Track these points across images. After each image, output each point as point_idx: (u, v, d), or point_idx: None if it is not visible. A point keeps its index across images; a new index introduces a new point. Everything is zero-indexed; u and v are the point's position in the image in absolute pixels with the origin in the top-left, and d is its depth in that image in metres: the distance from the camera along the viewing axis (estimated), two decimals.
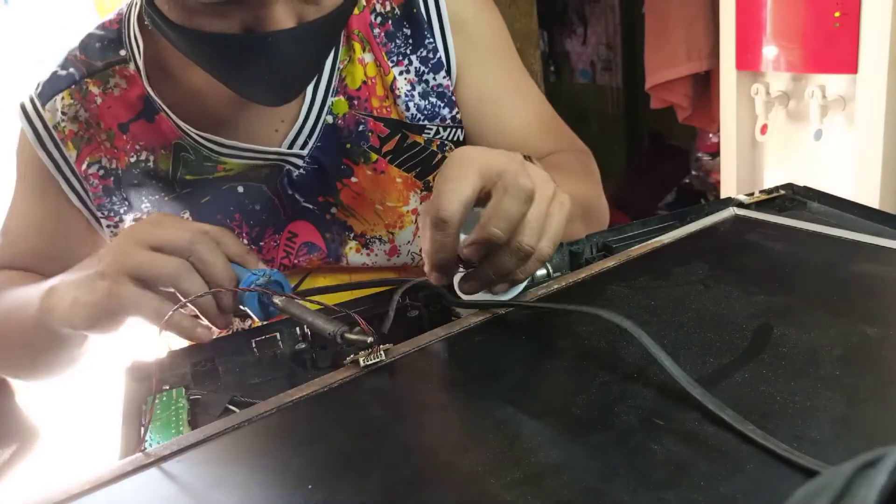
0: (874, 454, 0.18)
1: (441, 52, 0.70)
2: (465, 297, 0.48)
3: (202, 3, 0.49)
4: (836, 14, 1.09)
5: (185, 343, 0.55)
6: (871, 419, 0.31)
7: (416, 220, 0.72)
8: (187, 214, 0.69)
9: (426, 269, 0.45)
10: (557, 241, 0.45)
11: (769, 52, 1.22)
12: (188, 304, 0.49)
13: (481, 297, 0.47)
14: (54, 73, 0.68)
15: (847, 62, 1.10)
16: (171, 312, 0.47)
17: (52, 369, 0.67)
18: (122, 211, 0.69)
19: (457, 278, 0.47)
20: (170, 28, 0.53)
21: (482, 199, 0.44)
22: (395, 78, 0.69)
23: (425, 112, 0.70)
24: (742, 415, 0.32)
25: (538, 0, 2.21)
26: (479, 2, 0.73)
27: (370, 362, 0.41)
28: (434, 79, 0.70)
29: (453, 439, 0.35)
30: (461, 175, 0.43)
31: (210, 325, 0.50)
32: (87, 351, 0.65)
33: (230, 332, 0.60)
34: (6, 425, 1.26)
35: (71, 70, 0.67)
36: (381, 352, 0.41)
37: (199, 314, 0.51)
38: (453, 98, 0.71)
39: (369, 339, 0.41)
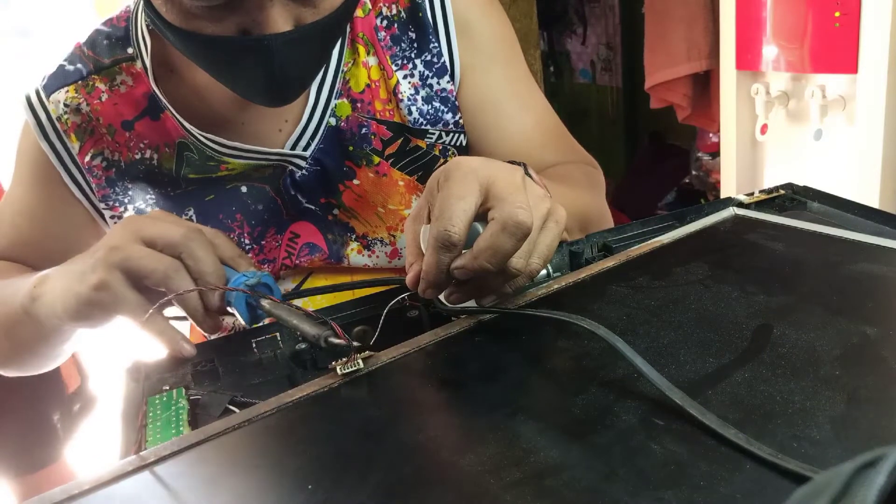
0: (874, 454, 0.18)
1: (445, 57, 0.69)
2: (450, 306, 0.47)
3: (199, 5, 0.49)
4: (836, 14, 1.09)
5: None
6: (871, 419, 0.31)
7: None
8: (191, 212, 0.69)
9: (420, 288, 0.44)
10: (549, 257, 0.45)
11: (769, 52, 1.22)
12: (175, 301, 0.49)
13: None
14: (61, 67, 0.68)
15: (847, 62, 1.10)
16: (155, 306, 0.47)
17: (31, 362, 0.66)
18: (126, 201, 0.69)
19: None
20: (168, 30, 0.53)
21: (479, 214, 0.43)
22: (398, 82, 0.68)
23: (428, 117, 0.70)
24: (742, 415, 0.32)
25: (538, 0, 2.21)
26: (487, 6, 0.72)
27: (347, 370, 0.40)
28: (438, 83, 0.70)
29: (453, 439, 0.35)
30: (467, 191, 0.41)
31: (192, 346, 0.49)
32: (72, 348, 0.64)
33: (230, 331, 0.60)
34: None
35: (78, 66, 0.68)
36: (359, 360, 0.41)
37: (186, 315, 0.50)
38: (457, 103, 0.71)
39: (355, 344, 0.41)
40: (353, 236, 0.72)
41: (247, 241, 0.70)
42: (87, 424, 1.36)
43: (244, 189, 0.69)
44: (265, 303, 0.48)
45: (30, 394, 1.28)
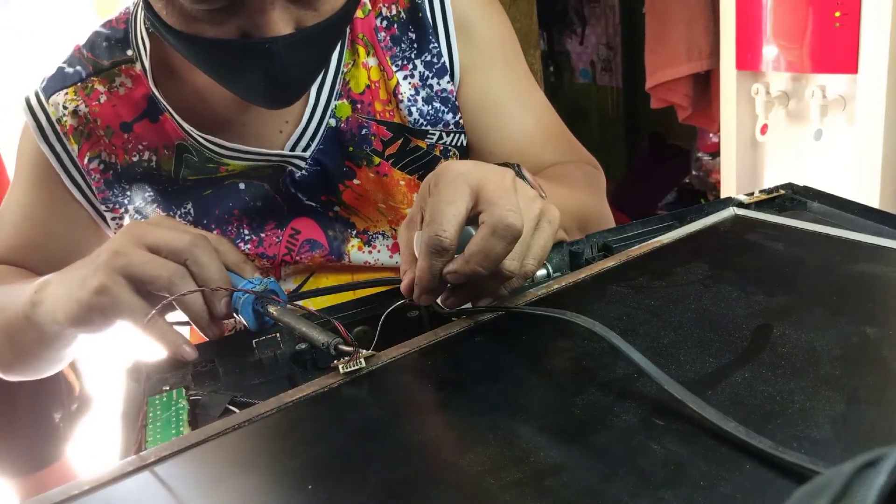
0: (874, 454, 0.18)
1: (445, 57, 0.69)
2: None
3: (199, 8, 0.49)
4: (837, 14, 1.09)
5: None
6: (871, 419, 0.31)
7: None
8: (189, 206, 0.69)
9: (415, 294, 0.44)
10: (543, 257, 0.45)
11: (769, 52, 1.22)
12: (179, 307, 0.49)
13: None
14: (60, 69, 0.68)
15: (847, 62, 1.10)
16: (157, 308, 0.47)
17: (33, 367, 0.66)
18: (125, 202, 0.69)
19: None
20: (168, 33, 0.53)
21: (470, 218, 0.43)
22: (398, 83, 0.68)
23: (428, 117, 0.70)
24: (742, 415, 0.32)
25: (538, 0, 2.21)
26: (487, 7, 0.72)
27: (349, 370, 0.40)
28: (438, 84, 0.69)
29: (453, 439, 0.35)
30: (457, 196, 0.41)
31: (194, 349, 0.49)
32: (74, 352, 0.64)
33: (231, 331, 0.60)
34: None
35: (77, 68, 0.68)
36: (361, 359, 0.41)
37: (190, 321, 0.50)
38: (457, 103, 0.71)
39: (363, 352, 0.41)
40: (354, 232, 0.72)
41: (246, 232, 0.70)
42: (85, 424, 1.37)
43: (242, 186, 0.69)
44: (272, 309, 0.48)
45: (32, 394, 1.28)
